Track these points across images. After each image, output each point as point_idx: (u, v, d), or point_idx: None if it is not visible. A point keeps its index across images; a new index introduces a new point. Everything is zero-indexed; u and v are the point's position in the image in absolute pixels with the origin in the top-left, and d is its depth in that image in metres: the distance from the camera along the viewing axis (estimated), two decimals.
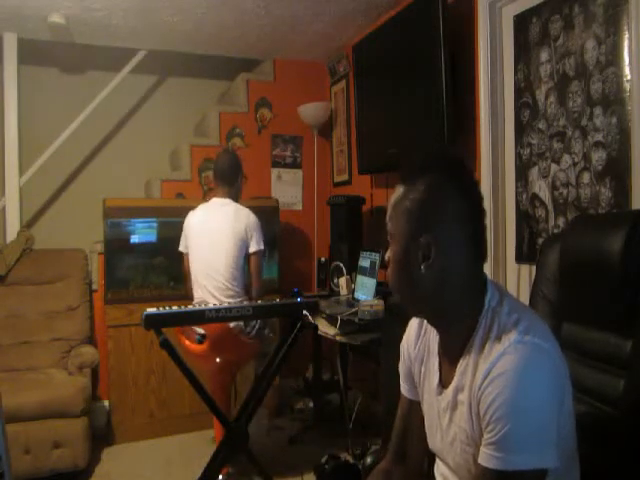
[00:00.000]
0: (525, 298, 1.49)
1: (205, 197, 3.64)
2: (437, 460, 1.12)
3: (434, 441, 1.08)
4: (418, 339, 1.15)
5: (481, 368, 0.92)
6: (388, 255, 1.04)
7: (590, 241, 1.17)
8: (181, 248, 2.80)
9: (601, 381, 1.13)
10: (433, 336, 1.10)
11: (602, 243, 1.13)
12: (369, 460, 1.35)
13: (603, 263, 1.11)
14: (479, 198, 1.00)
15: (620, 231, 1.10)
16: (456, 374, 0.99)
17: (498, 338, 0.92)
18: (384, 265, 3.23)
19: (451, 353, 1.02)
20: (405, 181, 1.01)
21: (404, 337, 1.20)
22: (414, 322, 1.18)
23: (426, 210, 0.97)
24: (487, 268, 2.44)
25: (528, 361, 0.88)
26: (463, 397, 0.97)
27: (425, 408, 1.11)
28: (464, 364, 0.98)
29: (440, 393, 1.04)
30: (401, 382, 1.20)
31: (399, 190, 1.02)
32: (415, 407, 1.16)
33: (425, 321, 1.15)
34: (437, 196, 0.97)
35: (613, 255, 1.09)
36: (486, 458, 0.88)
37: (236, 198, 2.82)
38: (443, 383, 1.04)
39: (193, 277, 2.70)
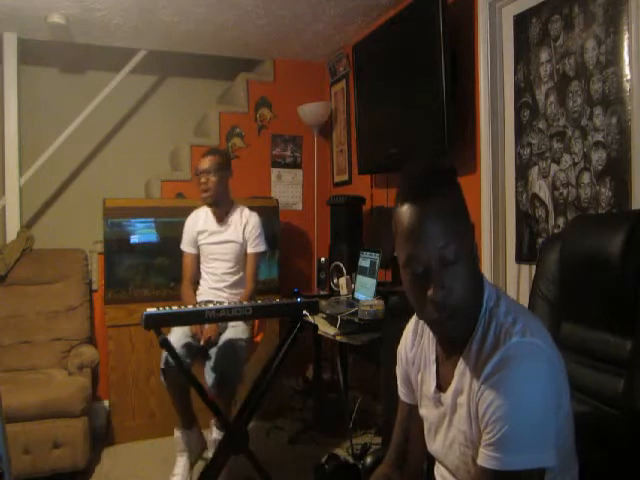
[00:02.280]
0: (525, 298, 1.49)
1: None
2: (437, 462, 1.12)
3: (433, 444, 1.08)
4: (414, 344, 1.14)
5: (480, 369, 0.92)
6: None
7: (590, 241, 1.17)
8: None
9: (600, 381, 1.13)
10: (429, 341, 1.10)
11: (602, 243, 1.13)
12: (369, 460, 1.35)
13: (602, 263, 1.11)
14: None
15: (619, 231, 1.10)
16: (455, 376, 0.99)
17: (496, 339, 0.92)
18: (384, 265, 3.22)
19: (451, 356, 1.02)
20: (428, 192, 0.93)
21: (401, 341, 1.19)
22: (410, 326, 1.18)
23: (466, 207, 0.98)
24: (487, 268, 2.44)
25: (526, 362, 0.88)
26: (462, 399, 0.97)
27: (423, 412, 1.11)
28: (463, 366, 0.98)
29: (439, 398, 1.04)
30: (399, 387, 1.20)
31: (425, 204, 0.93)
32: (414, 411, 1.15)
33: (420, 326, 1.14)
34: (462, 195, 0.98)
35: (612, 255, 1.09)
36: (485, 459, 0.88)
37: None
38: (441, 387, 1.04)
39: None
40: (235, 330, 2.58)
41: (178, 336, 2.49)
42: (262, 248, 2.80)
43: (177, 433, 2.63)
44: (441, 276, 0.91)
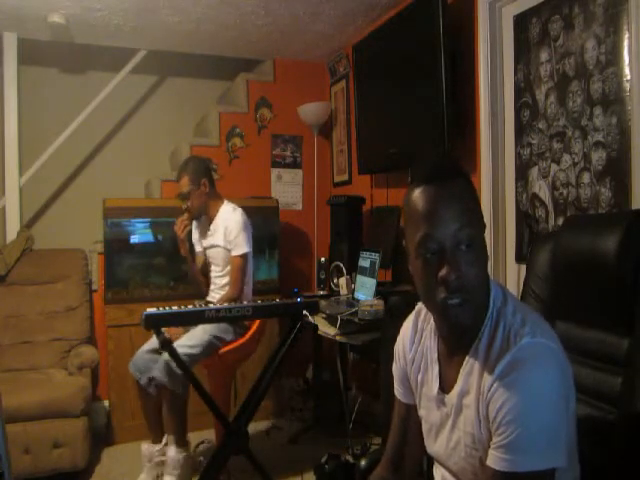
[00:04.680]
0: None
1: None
2: (436, 464, 1.11)
3: (433, 446, 1.06)
4: (413, 344, 1.13)
5: (489, 370, 0.91)
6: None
7: (585, 241, 1.17)
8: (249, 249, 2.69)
9: (596, 379, 1.13)
10: (430, 342, 1.08)
11: (597, 243, 1.13)
12: (363, 463, 1.34)
13: (598, 262, 1.12)
14: None
15: (615, 231, 1.10)
16: (460, 377, 0.98)
17: (506, 339, 0.92)
18: (384, 265, 3.20)
19: (455, 356, 1.01)
20: (445, 176, 0.96)
21: (398, 340, 1.18)
22: (408, 325, 1.16)
23: (477, 199, 1.00)
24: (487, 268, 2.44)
25: (538, 363, 0.88)
26: (469, 400, 0.96)
27: (423, 414, 1.10)
28: (469, 365, 0.96)
29: (442, 399, 1.02)
30: (396, 386, 1.18)
31: (441, 186, 0.95)
32: (412, 411, 1.14)
33: (419, 325, 1.13)
34: (474, 188, 1.00)
35: (608, 255, 1.09)
36: (496, 460, 0.87)
37: None
38: (444, 388, 1.03)
39: (248, 278, 2.73)
40: (182, 342, 2.48)
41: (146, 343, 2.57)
42: (243, 250, 2.63)
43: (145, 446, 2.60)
44: (455, 257, 0.91)
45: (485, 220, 1.00)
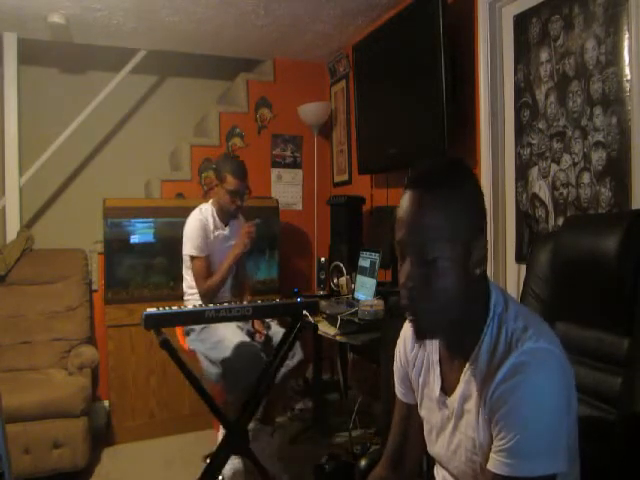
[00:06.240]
0: None
1: (205, 197, 3.65)
2: (437, 464, 1.11)
3: (434, 447, 1.06)
4: (414, 345, 1.13)
5: (491, 376, 0.91)
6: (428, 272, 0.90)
7: (585, 241, 1.17)
8: None
9: (596, 379, 1.13)
10: (432, 343, 1.08)
11: (598, 243, 1.13)
12: (363, 463, 1.34)
13: (599, 263, 1.12)
14: None
15: (615, 231, 1.10)
16: (461, 382, 0.97)
17: (508, 345, 0.91)
18: (384, 265, 3.20)
19: (455, 360, 1.00)
20: (430, 182, 0.93)
21: (400, 341, 1.17)
22: (409, 326, 1.17)
23: (479, 209, 0.96)
24: (487, 268, 2.44)
25: (541, 368, 0.87)
26: (470, 405, 0.95)
27: (424, 414, 1.09)
28: (470, 371, 0.96)
29: (444, 401, 1.02)
30: (397, 386, 1.18)
31: (422, 192, 0.92)
32: (413, 411, 1.14)
33: None
34: (481, 195, 0.96)
35: (609, 255, 1.09)
36: (497, 465, 0.87)
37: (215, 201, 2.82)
38: (446, 391, 1.02)
39: None
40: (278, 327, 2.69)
41: (230, 336, 2.47)
42: None
43: None
44: (416, 269, 0.91)
45: (485, 220, 0.99)
